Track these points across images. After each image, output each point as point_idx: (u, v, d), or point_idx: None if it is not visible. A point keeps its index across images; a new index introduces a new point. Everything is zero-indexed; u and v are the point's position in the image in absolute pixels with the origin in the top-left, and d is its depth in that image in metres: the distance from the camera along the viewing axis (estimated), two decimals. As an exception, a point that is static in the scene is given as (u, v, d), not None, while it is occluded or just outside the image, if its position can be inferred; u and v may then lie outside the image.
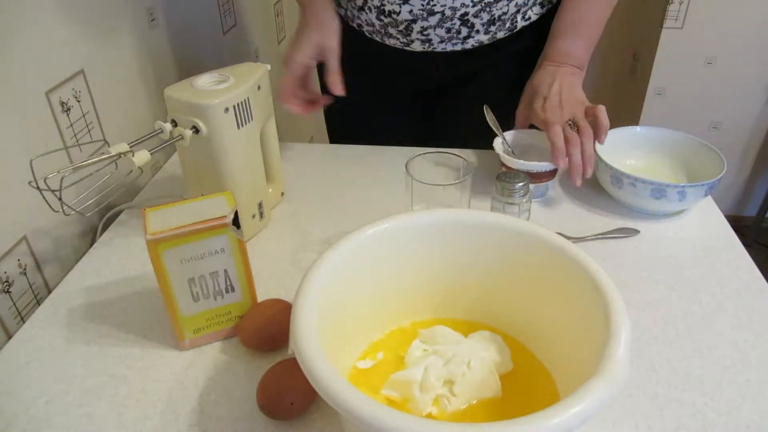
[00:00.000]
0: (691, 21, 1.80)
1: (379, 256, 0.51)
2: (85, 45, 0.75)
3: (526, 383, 0.50)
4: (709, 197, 0.78)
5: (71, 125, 0.72)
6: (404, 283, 0.53)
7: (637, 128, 0.85)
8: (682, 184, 0.71)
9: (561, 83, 0.77)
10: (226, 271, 0.55)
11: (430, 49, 0.83)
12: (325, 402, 0.36)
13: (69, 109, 0.72)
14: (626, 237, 0.72)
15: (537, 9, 0.84)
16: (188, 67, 1.03)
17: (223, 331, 0.58)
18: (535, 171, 0.75)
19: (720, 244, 0.71)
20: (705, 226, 0.75)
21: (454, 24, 0.79)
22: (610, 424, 0.50)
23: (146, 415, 0.51)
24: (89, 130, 0.76)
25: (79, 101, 0.74)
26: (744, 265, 0.68)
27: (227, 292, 0.56)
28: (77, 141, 0.74)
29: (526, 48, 0.86)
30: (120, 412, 0.51)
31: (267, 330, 0.55)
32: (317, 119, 1.11)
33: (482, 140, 0.82)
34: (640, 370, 0.55)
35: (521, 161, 0.75)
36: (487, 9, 0.79)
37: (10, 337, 0.60)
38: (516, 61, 0.88)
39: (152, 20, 0.91)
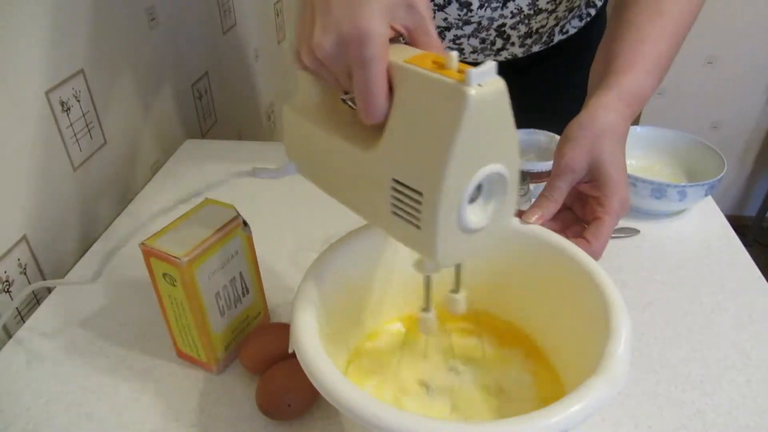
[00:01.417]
0: (691, 21, 1.80)
1: (380, 256, 0.51)
2: (85, 45, 0.75)
3: (528, 381, 0.50)
4: (710, 197, 0.78)
5: (71, 125, 0.72)
6: (405, 283, 0.53)
7: (637, 128, 0.85)
8: (683, 184, 0.71)
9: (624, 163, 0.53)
10: (241, 273, 0.54)
11: (460, 59, 0.81)
12: (325, 402, 0.36)
13: (69, 108, 0.72)
14: (626, 237, 0.72)
15: (576, 22, 0.82)
16: (188, 67, 1.04)
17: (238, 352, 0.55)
18: (535, 171, 0.75)
19: (720, 244, 0.71)
20: (705, 226, 0.75)
21: (490, 35, 0.76)
22: (610, 424, 0.50)
23: (146, 415, 0.51)
24: (89, 130, 0.76)
25: (79, 101, 0.74)
26: (744, 265, 0.68)
27: (243, 295, 0.55)
28: (77, 141, 0.74)
29: (559, 65, 0.83)
30: (120, 412, 0.51)
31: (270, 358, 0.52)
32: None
33: None
34: (640, 370, 0.55)
35: (521, 161, 0.75)
36: (526, 21, 0.75)
37: (10, 337, 0.60)
38: (545, 79, 0.83)
39: (152, 20, 0.91)
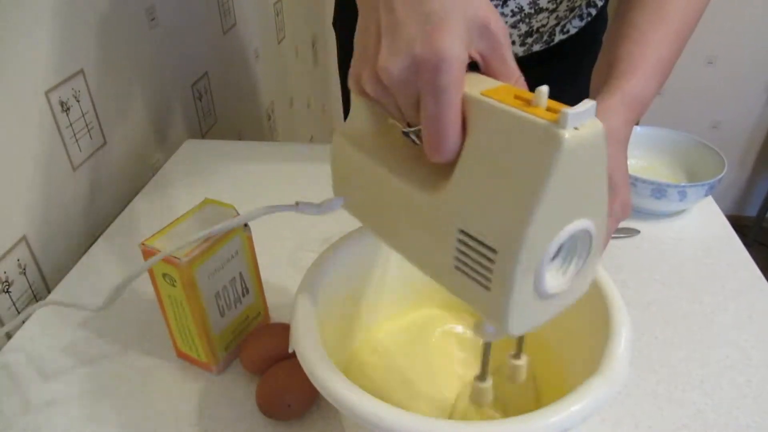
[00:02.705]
0: (691, 21, 1.80)
1: (380, 255, 0.51)
2: (85, 45, 0.75)
3: (528, 380, 0.50)
4: (710, 197, 0.78)
5: (71, 125, 0.72)
6: (405, 282, 0.53)
7: (637, 128, 0.85)
8: (683, 184, 0.71)
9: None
10: (240, 273, 0.54)
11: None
12: (325, 402, 0.36)
13: (68, 109, 0.72)
14: (626, 237, 0.72)
15: (576, 22, 0.81)
16: (188, 67, 1.04)
17: (238, 352, 0.56)
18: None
19: (720, 244, 0.71)
20: (705, 226, 0.75)
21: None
22: (610, 424, 0.50)
23: (146, 415, 0.51)
24: (89, 130, 0.76)
25: (78, 101, 0.74)
26: (744, 265, 0.68)
27: (243, 295, 0.55)
28: (77, 141, 0.74)
29: (560, 67, 0.82)
30: (120, 412, 0.51)
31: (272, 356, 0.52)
32: (317, 119, 1.11)
33: None
34: (640, 370, 0.55)
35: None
36: (526, 20, 0.75)
37: (10, 337, 0.60)
38: (546, 81, 0.82)
39: (152, 20, 0.91)
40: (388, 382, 0.50)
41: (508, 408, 0.46)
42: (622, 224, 0.74)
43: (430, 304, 0.55)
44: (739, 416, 0.50)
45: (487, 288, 0.31)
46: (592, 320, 0.42)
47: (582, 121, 0.27)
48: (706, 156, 0.78)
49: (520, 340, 0.40)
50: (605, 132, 0.29)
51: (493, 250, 0.30)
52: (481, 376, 0.39)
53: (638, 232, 0.73)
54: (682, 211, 0.77)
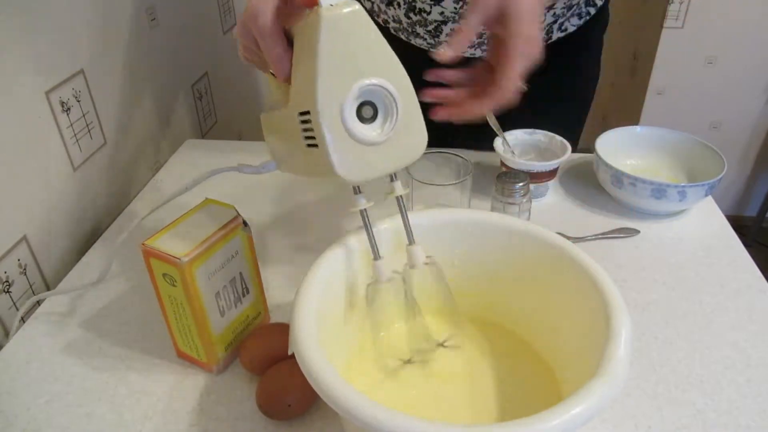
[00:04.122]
0: (692, 21, 1.80)
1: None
2: (85, 45, 0.75)
3: (529, 382, 0.50)
4: (710, 197, 0.78)
5: (71, 125, 0.72)
6: (401, 290, 0.53)
7: (637, 128, 0.85)
8: (683, 184, 0.71)
9: None
10: (241, 273, 0.54)
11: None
12: (325, 402, 0.36)
13: (69, 109, 0.72)
14: (626, 237, 0.72)
15: (575, 20, 0.81)
16: (188, 67, 1.04)
17: (238, 353, 0.55)
18: (535, 171, 0.75)
19: (720, 244, 0.71)
20: (705, 226, 0.75)
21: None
22: (610, 424, 0.50)
23: (146, 415, 0.51)
24: (89, 130, 0.76)
25: (79, 101, 0.74)
26: (744, 265, 0.68)
27: (243, 295, 0.55)
28: (77, 141, 0.74)
29: (558, 67, 0.79)
30: (120, 412, 0.51)
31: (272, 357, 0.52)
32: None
33: (482, 140, 0.82)
34: (640, 370, 0.55)
35: (521, 161, 0.75)
36: None
37: (9, 337, 0.60)
38: (543, 81, 0.81)
39: (152, 20, 0.91)
40: (387, 384, 0.50)
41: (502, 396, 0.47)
42: (622, 224, 0.74)
43: (426, 312, 0.55)
44: (739, 416, 0.50)
45: (317, 146, 0.41)
46: (591, 321, 0.42)
47: (337, 2, 0.39)
48: (706, 156, 0.78)
49: (408, 229, 0.47)
50: (361, 8, 0.39)
51: (308, 113, 0.40)
52: (375, 256, 0.46)
53: (638, 232, 0.73)
54: (682, 211, 0.77)
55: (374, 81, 0.40)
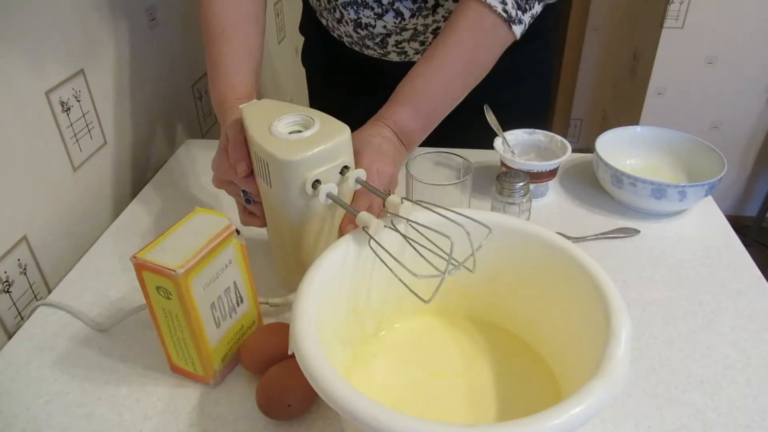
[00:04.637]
0: (691, 21, 1.80)
1: (378, 258, 0.51)
2: (85, 45, 0.75)
3: (529, 382, 0.50)
4: (710, 197, 0.78)
5: (71, 125, 0.72)
6: (402, 289, 0.53)
7: (637, 128, 0.85)
8: (683, 184, 0.71)
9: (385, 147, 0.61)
10: (235, 283, 0.52)
11: (406, 60, 0.83)
12: (325, 402, 0.36)
13: (69, 109, 0.72)
14: (626, 237, 0.72)
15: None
16: (188, 67, 1.04)
17: (238, 353, 0.55)
18: (535, 171, 0.75)
19: (720, 244, 0.71)
20: (705, 226, 0.75)
21: (428, 38, 0.79)
22: (610, 424, 0.50)
23: (146, 415, 0.51)
24: (89, 130, 0.76)
25: (79, 101, 0.74)
26: (744, 265, 0.68)
27: (238, 305, 0.54)
28: (77, 141, 0.74)
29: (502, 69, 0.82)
30: (120, 412, 0.51)
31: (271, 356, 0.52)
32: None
33: (482, 140, 0.82)
34: (640, 370, 0.55)
35: (521, 161, 0.75)
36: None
37: (10, 337, 0.60)
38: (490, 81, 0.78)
39: (152, 20, 0.91)
40: (387, 384, 0.50)
41: (502, 396, 0.47)
42: (622, 224, 0.74)
43: (426, 312, 0.55)
44: (739, 416, 0.50)
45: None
46: (591, 321, 0.42)
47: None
48: (706, 156, 0.78)
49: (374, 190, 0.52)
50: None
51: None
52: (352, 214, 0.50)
53: (638, 232, 0.73)
54: (682, 211, 0.77)
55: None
